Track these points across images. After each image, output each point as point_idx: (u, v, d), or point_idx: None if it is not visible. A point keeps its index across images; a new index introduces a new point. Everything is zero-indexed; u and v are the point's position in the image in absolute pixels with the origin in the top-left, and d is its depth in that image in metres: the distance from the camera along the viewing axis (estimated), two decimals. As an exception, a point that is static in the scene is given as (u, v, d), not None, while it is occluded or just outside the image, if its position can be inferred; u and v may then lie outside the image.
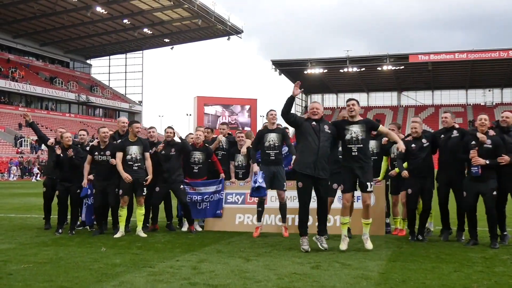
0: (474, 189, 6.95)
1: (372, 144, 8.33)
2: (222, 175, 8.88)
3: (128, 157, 8.07)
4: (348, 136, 6.71)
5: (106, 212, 8.53)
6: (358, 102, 6.89)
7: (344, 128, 6.76)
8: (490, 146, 6.88)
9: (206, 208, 8.84)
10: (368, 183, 6.66)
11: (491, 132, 7.01)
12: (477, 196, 6.99)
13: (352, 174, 6.70)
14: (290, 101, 6.71)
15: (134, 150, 8.11)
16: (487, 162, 6.77)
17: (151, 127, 9.40)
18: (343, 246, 6.65)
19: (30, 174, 39.51)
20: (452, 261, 5.97)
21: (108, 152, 8.19)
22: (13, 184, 29.64)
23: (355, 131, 6.70)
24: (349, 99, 6.89)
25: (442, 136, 7.50)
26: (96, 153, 8.24)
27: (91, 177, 8.31)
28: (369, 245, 6.63)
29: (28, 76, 56.03)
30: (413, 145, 7.48)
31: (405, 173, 7.47)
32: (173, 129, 8.79)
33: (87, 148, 8.53)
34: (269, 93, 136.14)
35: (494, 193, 6.85)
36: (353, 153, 6.68)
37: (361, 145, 6.68)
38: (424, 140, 7.49)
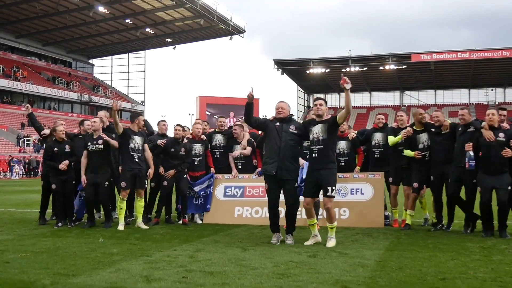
0: (489, 184, 6.86)
1: (343, 144, 8.28)
2: (213, 170, 8.94)
3: (132, 145, 8.05)
4: (310, 137, 6.49)
5: (97, 205, 8.62)
6: (325, 102, 6.66)
7: (309, 129, 6.54)
8: (504, 139, 6.82)
9: (201, 203, 8.89)
10: (329, 187, 6.31)
11: (505, 125, 6.95)
12: (491, 191, 6.89)
13: (314, 177, 6.42)
14: (247, 108, 6.58)
15: (137, 140, 8.13)
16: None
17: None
18: (309, 242, 6.49)
19: (31, 173, 39.54)
20: (450, 250, 5.97)
21: (100, 141, 8.14)
22: (15, 182, 29.71)
23: (316, 131, 6.43)
24: (317, 98, 6.67)
25: (460, 129, 7.30)
26: (89, 143, 8.20)
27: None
28: (331, 243, 6.31)
29: (30, 76, 56.16)
30: (432, 129, 7.50)
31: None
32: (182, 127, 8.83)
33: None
34: (271, 93, 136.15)
35: (509, 187, 6.80)
36: (313, 155, 6.44)
37: (321, 146, 6.37)
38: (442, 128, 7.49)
